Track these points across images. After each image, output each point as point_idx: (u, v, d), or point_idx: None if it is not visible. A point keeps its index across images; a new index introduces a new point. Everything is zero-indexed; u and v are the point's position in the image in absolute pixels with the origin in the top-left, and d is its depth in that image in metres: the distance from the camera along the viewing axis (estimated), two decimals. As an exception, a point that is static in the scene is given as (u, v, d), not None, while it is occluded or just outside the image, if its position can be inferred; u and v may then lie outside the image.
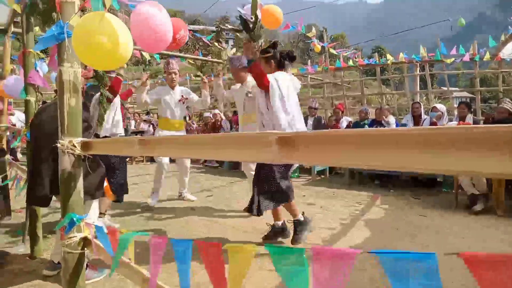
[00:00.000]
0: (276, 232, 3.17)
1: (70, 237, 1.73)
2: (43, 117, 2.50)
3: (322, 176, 6.97)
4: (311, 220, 3.18)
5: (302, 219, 3.08)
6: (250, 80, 4.02)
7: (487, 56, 6.97)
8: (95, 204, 2.64)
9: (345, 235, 3.49)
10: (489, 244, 3.14)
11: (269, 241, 3.18)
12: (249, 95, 4.03)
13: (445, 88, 9.23)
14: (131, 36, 1.48)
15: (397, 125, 6.08)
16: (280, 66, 3.07)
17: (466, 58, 7.04)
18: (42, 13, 2.26)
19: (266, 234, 3.25)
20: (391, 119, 6.09)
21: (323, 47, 7.82)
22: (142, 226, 3.92)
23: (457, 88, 21.22)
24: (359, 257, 0.75)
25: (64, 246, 1.74)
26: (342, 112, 7.45)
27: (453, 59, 7.38)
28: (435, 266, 0.61)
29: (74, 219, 1.69)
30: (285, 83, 2.95)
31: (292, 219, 3.09)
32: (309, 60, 10.12)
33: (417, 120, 5.84)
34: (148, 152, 1.20)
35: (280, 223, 3.16)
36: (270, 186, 2.92)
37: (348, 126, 6.94)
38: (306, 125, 6.85)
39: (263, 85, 2.86)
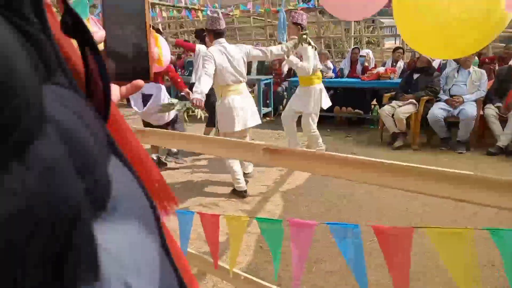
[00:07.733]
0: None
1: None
2: None
3: (268, 118, 7.27)
4: None
5: None
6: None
7: None
8: None
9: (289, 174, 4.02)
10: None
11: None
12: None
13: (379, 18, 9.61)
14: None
15: (334, 70, 6.47)
16: None
17: None
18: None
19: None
20: (329, 64, 6.48)
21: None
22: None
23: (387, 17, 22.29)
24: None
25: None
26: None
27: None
28: (358, 233, 1.01)
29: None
30: None
31: None
32: (250, 3, 9.80)
33: (354, 65, 6.32)
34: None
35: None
36: None
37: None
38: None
39: None
